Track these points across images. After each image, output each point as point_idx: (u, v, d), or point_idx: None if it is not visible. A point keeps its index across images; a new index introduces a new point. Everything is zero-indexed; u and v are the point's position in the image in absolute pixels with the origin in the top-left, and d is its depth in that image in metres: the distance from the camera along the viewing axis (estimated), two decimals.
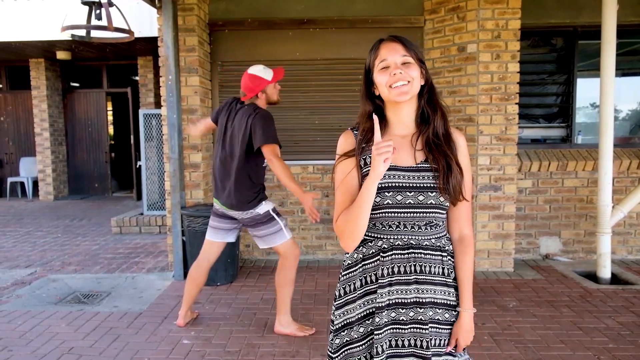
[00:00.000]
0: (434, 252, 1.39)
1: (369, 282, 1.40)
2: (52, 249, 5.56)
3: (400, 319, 1.36)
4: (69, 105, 9.83)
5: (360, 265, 1.42)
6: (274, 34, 4.75)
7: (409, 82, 1.33)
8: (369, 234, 1.40)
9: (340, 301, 1.45)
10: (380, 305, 1.36)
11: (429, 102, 1.42)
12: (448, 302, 1.41)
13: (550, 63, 5.09)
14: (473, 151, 4.38)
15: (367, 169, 1.35)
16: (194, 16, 4.33)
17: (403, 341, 1.37)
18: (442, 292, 1.40)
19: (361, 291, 1.41)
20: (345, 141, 1.44)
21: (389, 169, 1.34)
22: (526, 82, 4.80)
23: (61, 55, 8.43)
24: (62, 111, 9.73)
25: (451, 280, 1.42)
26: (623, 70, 5.05)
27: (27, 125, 9.78)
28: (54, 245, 5.72)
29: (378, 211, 1.35)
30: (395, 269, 1.37)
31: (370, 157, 1.34)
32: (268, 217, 3.09)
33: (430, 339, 1.37)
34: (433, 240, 1.39)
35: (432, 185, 1.35)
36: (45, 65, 9.14)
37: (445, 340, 1.41)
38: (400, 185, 1.34)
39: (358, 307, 1.41)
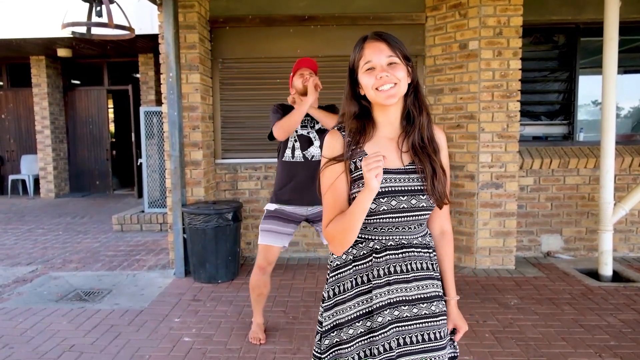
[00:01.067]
0: (422, 250, 1.41)
1: (359, 284, 1.39)
2: (54, 246, 5.57)
3: (404, 315, 1.37)
4: (69, 103, 9.83)
5: (351, 266, 1.40)
6: (274, 31, 4.74)
7: (395, 84, 1.31)
8: (360, 236, 1.39)
9: (329, 303, 1.43)
10: (380, 304, 1.35)
11: (414, 101, 1.39)
12: (438, 294, 1.43)
13: (552, 60, 5.07)
14: (474, 148, 4.37)
15: (357, 173, 1.34)
16: (194, 13, 4.32)
17: (411, 338, 1.37)
18: (432, 286, 1.42)
19: (352, 293, 1.40)
20: (334, 144, 1.39)
21: (383, 172, 1.33)
22: (528, 79, 4.79)
23: (62, 52, 8.43)
24: (63, 109, 9.73)
25: (437, 274, 1.46)
26: (625, 67, 5.03)
27: (28, 122, 9.79)
28: (55, 243, 5.72)
29: (374, 217, 1.35)
30: (392, 269, 1.37)
31: (360, 160, 1.35)
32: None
33: (437, 331, 1.39)
34: (420, 239, 1.41)
35: (420, 187, 1.35)
36: (46, 63, 9.14)
37: (441, 331, 1.41)
38: (394, 189, 1.33)
39: (348, 308, 1.39)
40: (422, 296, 1.39)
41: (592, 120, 5.11)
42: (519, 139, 4.40)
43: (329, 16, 4.69)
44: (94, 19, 3.71)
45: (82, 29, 3.88)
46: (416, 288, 1.38)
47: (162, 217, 6.38)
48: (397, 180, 1.34)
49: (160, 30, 4.27)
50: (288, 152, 2.96)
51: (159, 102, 8.86)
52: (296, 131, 2.97)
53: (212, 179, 4.79)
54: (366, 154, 1.34)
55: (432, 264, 1.43)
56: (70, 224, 6.84)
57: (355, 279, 1.40)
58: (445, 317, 1.43)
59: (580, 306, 3.55)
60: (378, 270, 1.36)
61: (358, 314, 1.38)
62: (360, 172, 1.33)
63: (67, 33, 3.84)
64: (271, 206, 3.01)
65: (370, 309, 1.37)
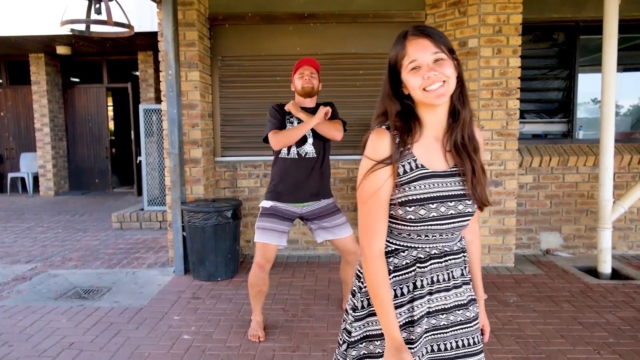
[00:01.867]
0: (460, 255, 1.36)
1: (399, 295, 1.31)
2: (53, 244, 5.57)
3: (441, 324, 1.33)
4: (69, 101, 9.82)
5: (390, 276, 1.31)
6: (274, 28, 4.73)
7: (444, 82, 1.21)
8: (402, 244, 1.31)
9: (362, 313, 1.35)
10: (420, 315, 1.29)
11: (459, 96, 1.29)
12: (472, 298, 1.39)
13: (551, 58, 5.07)
14: None
15: (405, 177, 1.24)
16: (194, 10, 4.31)
17: (445, 345, 1.33)
18: (468, 290, 1.38)
19: None
20: (381, 144, 1.24)
21: (429, 177, 1.25)
22: (527, 77, 4.79)
23: (61, 50, 8.41)
24: (62, 106, 9.72)
25: (469, 277, 1.41)
26: (625, 65, 5.03)
27: (27, 120, 9.77)
28: (55, 241, 5.72)
29: (422, 224, 1.26)
30: (435, 278, 1.31)
31: (408, 163, 1.25)
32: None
33: (471, 337, 1.36)
34: (458, 244, 1.36)
35: (465, 192, 1.28)
36: (45, 60, 9.12)
37: (475, 337, 1.38)
38: (443, 195, 1.26)
39: None
40: (459, 303, 1.35)
41: (592, 118, 5.11)
42: (519, 136, 4.39)
43: (328, 14, 4.68)
44: (93, 16, 3.71)
45: (81, 27, 3.88)
46: (454, 295, 1.34)
47: (161, 215, 6.38)
48: (444, 184, 1.26)
49: (160, 27, 4.26)
50: (284, 149, 3.01)
51: (158, 100, 8.85)
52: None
53: (212, 177, 4.79)
54: (414, 158, 1.25)
55: (466, 268, 1.39)
56: (69, 222, 6.84)
57: (395, 290, 1.31)
58: (478, 322, 1.39)
59: (579, 304, 3.55)
60: (422, 281, 1.29)
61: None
62: (408, 177, 1.24)
63: (66, 30, 3.84)
64: (266, 203, 3.06)
65: (411, 320, 1.30)
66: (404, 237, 1.30)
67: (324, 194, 3.12)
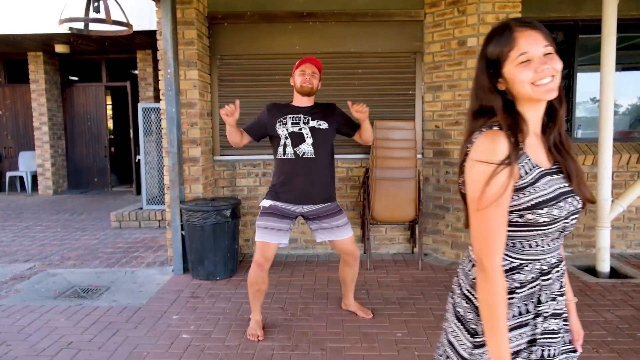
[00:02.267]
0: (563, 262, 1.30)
1: (523, 313, 1.23)
2: (52, 243, 5.56)
3: (551, 329, 1.26)
4: (68, 99, 9.80)
5: (512, 295, 1.21)
6: (273, 27, 4.73)
7: (553, 76, 1.16)
8: (525, 257, 1.23)
9: (482, 339, 1.23)
10: (540, 332, 1.24)
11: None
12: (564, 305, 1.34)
13: None
14: None
15: (528, 178, 1.17)
16: (192, 9, 4.31)
17: (549, 351, 1.27)
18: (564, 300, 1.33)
19: (512, 323, 1.22)
20: (499, 146, 1.14)
21: (545, 175, 1.20)
22: None
23: (60, 48, 8.39)
24: (61, 105, 9.71)
25: None
26: (623, 64, 5.04)
27: (25, 119, 9.75)
28: (53, 240, 5.72)
29: (554, 225, 1.19)
30: (553, 289, 1.25)
31: (526, 163, 1.18)
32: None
33: (556, 348, 1.29)
34: (561, 251, 1.30)
35: (572, 189, 1.23)
36: (44, 59, 9.10)
37: (557, 349, 1.30)
38: (563, 192, 1.20)
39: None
40: (556, 312, 1.28)
41: (590, 117, 5.12)
42: None
43: (328, 13, 4.68)
44: (92, 14, 3.70)
45: (80, 25, 3.87)
46: (555, 304, 1.27)
47: (160, 214, 6.37)
48: (558, 180, 1.21)
49: (158, 26, 4.25)
50: (280, 149, 3.00)
51: (157, 99, 8.83)
52: (287, 129, 3.00)
53: (211, 176, 4.78)
54: (529, 158, 1.19)
55: None
56: (68, 221, 6.84)
57: (520, 307, 1.22)
58: (562, 334, 1.31)
59: (578, 302, 3.51)
60: (546, 294, 1.23)
61: (518, 348, 1.22)
62: (530, 178, 1.17)
63: (64, 29, 3.83)
64: (266, 202, 3.07)
65: (533, 339, 1.23)
66: (527, 250, 1.23)
67: (326, 198, 3.08)
